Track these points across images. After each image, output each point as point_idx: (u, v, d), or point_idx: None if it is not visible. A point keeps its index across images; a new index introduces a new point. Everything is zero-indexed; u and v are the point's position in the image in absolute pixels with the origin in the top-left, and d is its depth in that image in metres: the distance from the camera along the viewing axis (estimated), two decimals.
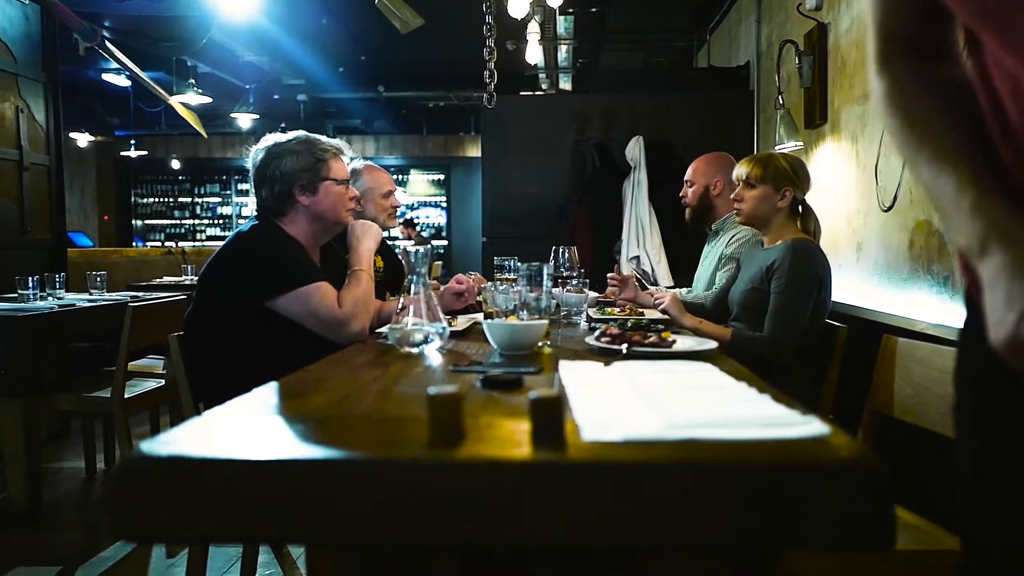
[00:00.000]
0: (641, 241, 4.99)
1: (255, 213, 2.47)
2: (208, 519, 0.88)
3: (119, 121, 12.63)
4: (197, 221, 14.60)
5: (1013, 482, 0.98)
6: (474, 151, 13.41)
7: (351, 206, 2.49)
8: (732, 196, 2.90)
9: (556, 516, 0.85)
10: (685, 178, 3.49)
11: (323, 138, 2.49)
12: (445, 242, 14.28)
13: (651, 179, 5.03)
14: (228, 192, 14.54)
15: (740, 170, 2.83)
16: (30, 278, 3.80)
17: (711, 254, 3.41)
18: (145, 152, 13.43)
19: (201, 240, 14.33)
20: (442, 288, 2.66)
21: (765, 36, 5.23)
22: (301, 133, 2.47)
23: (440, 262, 12.99)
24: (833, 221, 3.75)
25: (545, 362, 1.65)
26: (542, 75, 8.98)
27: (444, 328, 1.81)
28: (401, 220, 12.96)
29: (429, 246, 1.98)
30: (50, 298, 3.92)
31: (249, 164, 2.44)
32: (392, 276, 3.38)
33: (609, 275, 3.14)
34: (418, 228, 13.29)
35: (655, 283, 4.57)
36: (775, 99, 4.33)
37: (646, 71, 8.38)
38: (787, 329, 2.58)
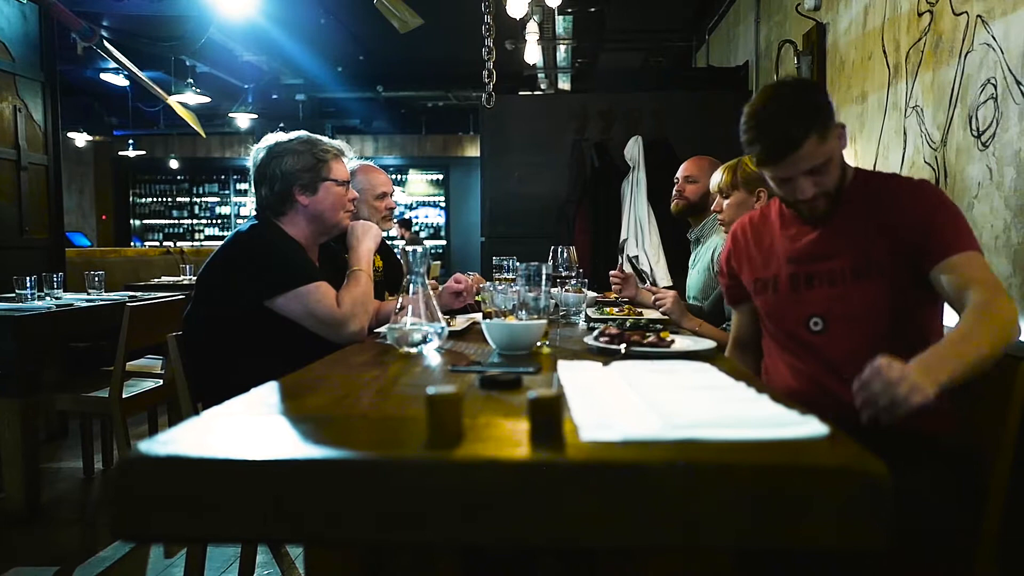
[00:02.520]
0: (640, 241, 4.99)
1: (254, 212, 2.47)
2: (206, 519, 0.88)
3: (117, 121, 12.63)
4: (195, 221, 14.59)
5: None
6: (473, 151, 13.41)
7: (350, 208, 2.48)
8: (712, 207, 2.88)
9: (555, 516, 0.85)
10: (685, 174, 3.35)
11: (325, 139, 2.48)
12: (444, 242, 14.28)
13: (650, 179, 5.04)
14: (226, 192, 14.54)
15: (713, 181, 2.82)
16: (28, 278, 3.79)
17: (698, 264, 3.38)
18: (143, 152, 13.42)
19: (199, 240, 14.33)
20: (440, 288, 2.66)
21: (764, 36, 5.23)
22: (303, 133, 2.47)
23: (439, 262, 12.99)
24: None
25: (544, 362, 1.65)
26: (541, 75, 8.99)
27: (443, 328, 1.81)
28: (397, 220, 12.96)
29: (425, 246, 1.97)
30: (48, 298, 3.91)
31: (250, 163, 2.44)
32: (391, 276, 3.38)
33: (612, 272, 3.12)
34: (414, 229, 13.29)
35: (653, 282, 4.57)
36: None
37: (645, 71, 8.40)
38: None
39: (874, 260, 1.79)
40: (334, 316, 2.21)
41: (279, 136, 2.45)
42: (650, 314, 2.65)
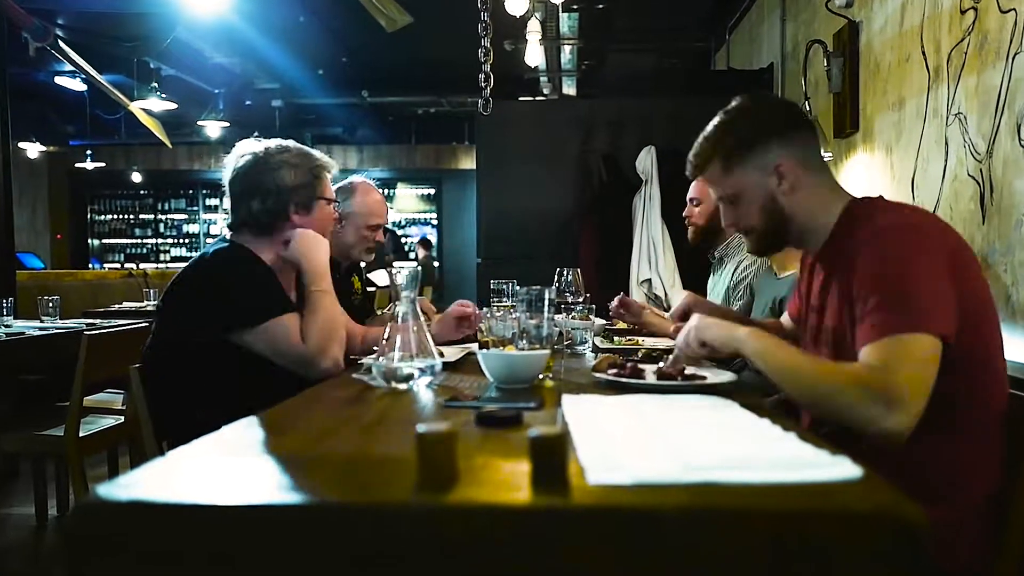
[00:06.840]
0: (653, 263, 5.00)
1: (226, 231, 2.45)
2: (171, 570, 0.88)
3: (74, 129, 12.68)
4: (160, 240, 14.62)
5: None
6: (468, 163, 13.46)
7: (334, 228, 2.50)
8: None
9: (559, 566, 0.85)
10: (691, 195, 3.37)
11: (315, 152, 2.50)
12: (435, 263, 14.29)
13: (664, 194, 5.05)
14: (195, 208, 14.57)
15: None
16: None
17: (718, 286, 3.38)
18: (103, 164, 13.46)
19: (165, 261, 14.33)
20: (440, 314, 2.65)
21: (790, 36, 5.27)
22: (293, 143, 2.47)
23: (430, 286, 12.99)
24: None
25: (546, 396, 1.65)
26: (543, 78, 9.03)
27: (435, 364, 1.78)
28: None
29: (416, 269, 1.96)
30: None
31: (228, 171, 2.41)
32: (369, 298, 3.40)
33: (611, 304, 2.87)
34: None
35: (668, 308, 4.57)
36: (802, 105, 4.36)
37: (658, 74, 8.41)
38: None
39: (845, 325, 1.67)
40: (301, 355, 2.20)
41: (266, 144, 2.42)
42: (666, 342, 2.64)
